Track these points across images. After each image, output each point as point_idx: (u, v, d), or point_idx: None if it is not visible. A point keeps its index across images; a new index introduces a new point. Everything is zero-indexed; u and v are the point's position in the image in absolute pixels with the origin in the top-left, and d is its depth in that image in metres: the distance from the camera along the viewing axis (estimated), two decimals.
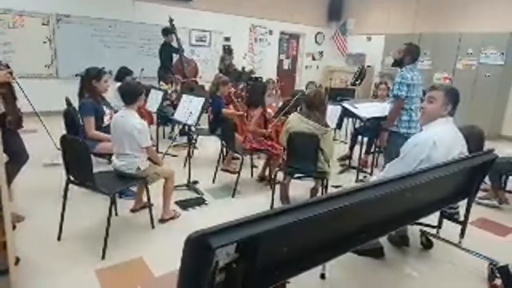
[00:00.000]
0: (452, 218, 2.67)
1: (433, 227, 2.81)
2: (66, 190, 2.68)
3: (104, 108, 3.49)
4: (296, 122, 3.32)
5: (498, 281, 2.36)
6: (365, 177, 4.39)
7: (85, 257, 2.51)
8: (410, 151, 2.33)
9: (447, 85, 2.65)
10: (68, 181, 2.69)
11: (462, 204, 2.60)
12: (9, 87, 2.77)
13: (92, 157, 2.59)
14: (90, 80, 3.41)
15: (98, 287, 2.22)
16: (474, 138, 3.01)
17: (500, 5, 7.37)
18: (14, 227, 2.64)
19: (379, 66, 9.41)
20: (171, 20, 6.33)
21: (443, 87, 2.45)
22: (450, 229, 2.76)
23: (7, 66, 3.02)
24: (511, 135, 7.42)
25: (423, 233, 2.90)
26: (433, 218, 2.66)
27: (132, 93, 2.84)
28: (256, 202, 3.60)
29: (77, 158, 2.58)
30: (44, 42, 6.73)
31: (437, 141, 2.25)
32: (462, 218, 2.61)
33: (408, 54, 3.60)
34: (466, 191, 2.50)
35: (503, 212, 3.71)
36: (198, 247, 1.00)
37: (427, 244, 2.88)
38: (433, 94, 2.38)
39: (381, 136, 3.79)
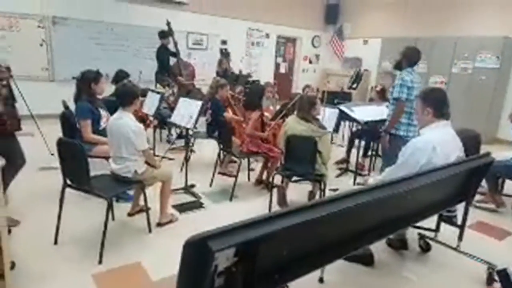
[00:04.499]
0: (450, 221, 2.68)
1: (432, 230, 2.81)
2: (62, 193, 2.66)
3: (101, 110, 3.47)
4: (294, 124, 3.33)
5: (496, 285, 2.36)
6: (363, 176, 4.39)
7: (82, 261, 2.48)
8: (410, 156, 2.32)
9: (425, 88, 2.67)
10: (65, 185, 2.66)
11: (460, 208, 2.61)
12: (8, 88, 2.76)
13: (89, 160, 2.56)
14: (89, 83, 3.38)
15: None
16: (470, 142, 3.02)
17: (495, 9, 7.45)
18: (9, 232, 2.62)
19: (376, 70, 9.46)
20: (168, 23, 6.33)
21: (421, 93, 2.50)
22: (448, 232, 2.76)
23: (8, 69, 3.03)
24: (507, 139, 7.45)
25: (421, 236, 2.90)
26: (431, 222, 2.67)
27: (128, 95, 2.82)
28: (253, 206, 3.58)
29: (74, 161, 2.56)
30: (41, 45, 6.70)
31: (436, 145, 2.25)
32: (460, 222, 2.62)
33: (404, 58, 3.62)
34: (464, 194, 2.50)
35: (500, 215, 3.71)
36: (197, 251, 0.99)
37: (425, 248, 2.88)
38: (416, 103, 2.42)
39: (383, 139, 3.70)
